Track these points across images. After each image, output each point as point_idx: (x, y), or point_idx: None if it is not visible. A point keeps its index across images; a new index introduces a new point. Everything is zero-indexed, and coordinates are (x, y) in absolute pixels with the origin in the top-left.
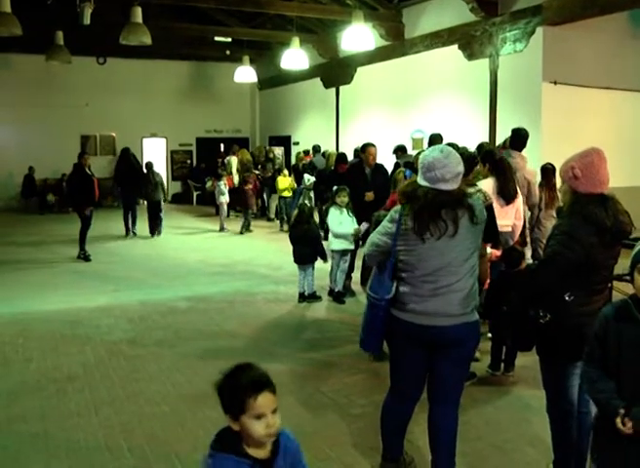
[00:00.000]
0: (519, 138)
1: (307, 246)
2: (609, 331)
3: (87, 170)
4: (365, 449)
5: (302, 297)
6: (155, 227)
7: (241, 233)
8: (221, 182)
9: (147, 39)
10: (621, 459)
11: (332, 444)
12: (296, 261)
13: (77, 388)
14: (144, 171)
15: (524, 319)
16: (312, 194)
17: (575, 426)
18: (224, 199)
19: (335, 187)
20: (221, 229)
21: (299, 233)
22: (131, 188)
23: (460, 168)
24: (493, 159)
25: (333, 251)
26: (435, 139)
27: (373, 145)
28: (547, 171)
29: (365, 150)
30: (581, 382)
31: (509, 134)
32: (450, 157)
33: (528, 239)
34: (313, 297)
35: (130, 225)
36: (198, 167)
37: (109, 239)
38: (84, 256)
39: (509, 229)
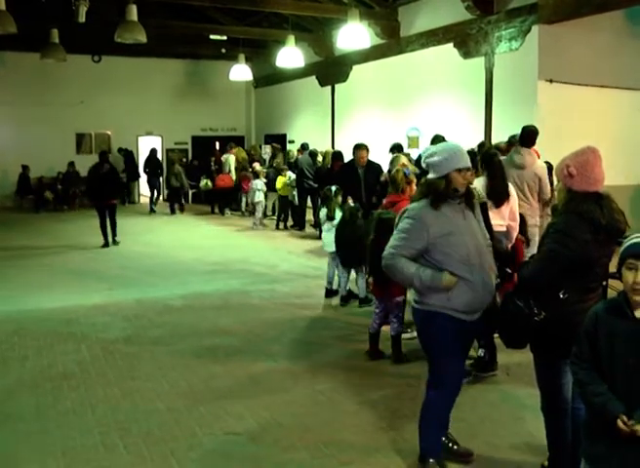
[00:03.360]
0: (526, 135)
1: (355, 247)
2: (600, 327)
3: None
4: (361, 447)
5: (344, 300)
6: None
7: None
8: (259, 181)
9: (142, 37)
10: (617, 463)
11: (327, 441)
12: (345, 265)
13: (73, 386)
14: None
15: (518, 316)
16: (295, 192)
17: (569, 424)
18: (261, 197)
19: (333, 188)
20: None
21: (347, 235)
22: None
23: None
24: (487, 159)
25: (329, 252)
26: (437, 140)
27: (363, 148)
28: None
29: (354, 152)
30: (573, 385)
31: (505, 132)
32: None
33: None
34: (366, 302)
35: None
36: (192, 164)
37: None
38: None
39: (503, 229)
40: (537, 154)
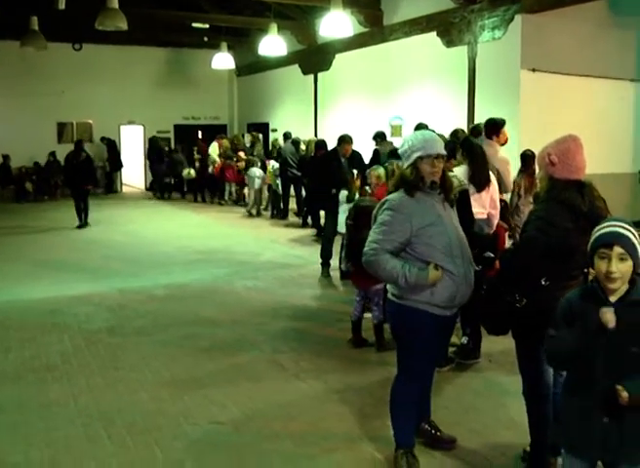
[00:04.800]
0: (488, 127)
1: None
2: (575, 314)
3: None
4: (345, 435)
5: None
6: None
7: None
8: (256, 169)
9: (123, 24)
10: (588, 435)
11: (311, 430)
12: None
13: (56, 377)
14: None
15: (500, 303)
16: (279, 180)
17: (551, 409)
18: (257, 185)
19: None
20: (258, 214)
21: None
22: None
23: None
24: (468, 146)
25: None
26: (420, 129)
27: (349, 141)
28: (527, 157)
29: (341, 144)
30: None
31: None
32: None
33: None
34: None
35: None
36: (169, 154)
37: (88, 227)
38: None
39: (484, 216)
40: (499, 145)
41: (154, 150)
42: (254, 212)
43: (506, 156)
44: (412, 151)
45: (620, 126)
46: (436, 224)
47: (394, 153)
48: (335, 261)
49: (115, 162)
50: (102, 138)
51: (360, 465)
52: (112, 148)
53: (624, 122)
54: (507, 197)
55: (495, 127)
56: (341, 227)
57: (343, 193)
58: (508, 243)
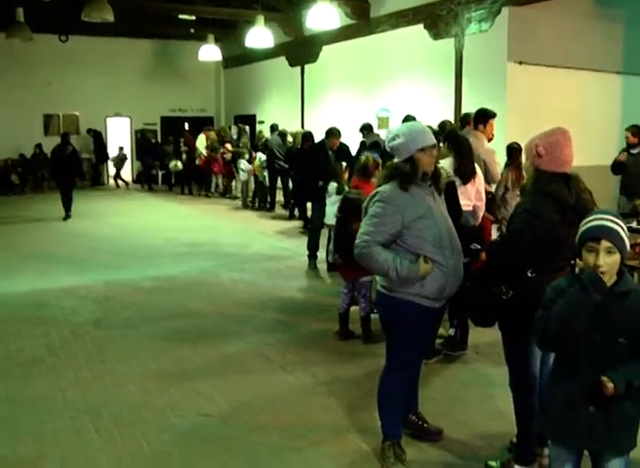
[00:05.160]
0: (475, 117)
1: None
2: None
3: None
4: (332, 427)
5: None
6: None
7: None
8: (243, 161)
9: (110, 16)
10: (574, 425)
11: (298, 422)
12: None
13: (42, 371)
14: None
15: (486, 295)
16: (266, 172)
17: (537, 400)
18: (245, 177)
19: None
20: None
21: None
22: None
23: None
24: (454, 138)
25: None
26: (408, 121)
27: (337, 135)
28: (513, 150)
29: (329, 137)
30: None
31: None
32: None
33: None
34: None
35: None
36: (160, 146)
37: (75, 219)
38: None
39: (470, 209)
40: (487, 135)
41: (144, 142)
42: (249, 203)
43: (491, 146)
44: (410, 143)
45: (607, 118)
46: (427, 216)
47: (375, 145)
48: (322, 254)
49: (101, 154)
50: (89, 130)
51: (347, 457)
52: (98, 140)
53: (611, 114)
54: (494, 187)
55: (483, 117)
56: (330, 219)
57: (333, 185)
58: (495, 235)
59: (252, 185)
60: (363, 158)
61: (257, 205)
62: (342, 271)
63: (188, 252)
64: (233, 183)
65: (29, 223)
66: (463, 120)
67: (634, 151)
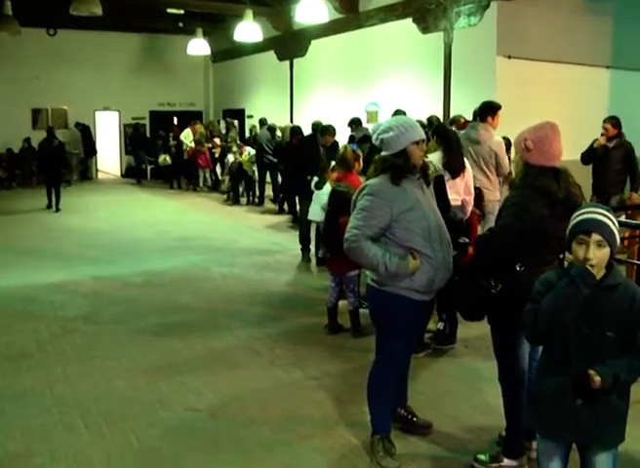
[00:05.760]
0: (482, 110)
1: None
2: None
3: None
4: (322, 421)
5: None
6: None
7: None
8: (230, 155)
9: (98, 10)
10: (562, 418)
11: (288, 416)
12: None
13: (31, 366)
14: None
15: (475, 289)
16: (255, 167)
17: (525, 393)
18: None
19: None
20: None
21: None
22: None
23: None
24: (442, 133)
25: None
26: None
27: (332, 133)
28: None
29: (324, 135)
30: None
31: (464, 107)
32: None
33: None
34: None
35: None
36: (152, 140)
37: (64, 214)
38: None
39: (459, 203)
40: (494, 127)
41: (137, 136)
42: (230, 199)
43: (500, 139)
44: (404, 136)
45: (595, 113)
46: (415, 209)
47: (365, 139)
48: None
49: (89, 148)
50: (77, 124)
51: (337, 451)
52: (87, 134)
53: (599, 109)
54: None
55: (490, 109)
56: (312, 215)
57: (315, 179)
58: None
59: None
60: (342, 150)
61: (231, 199)
62: (330, 265)
63: (178, 246)
64: (221, 177)
65: (17, 218)
66: (452, 123)
67: (611, 144)
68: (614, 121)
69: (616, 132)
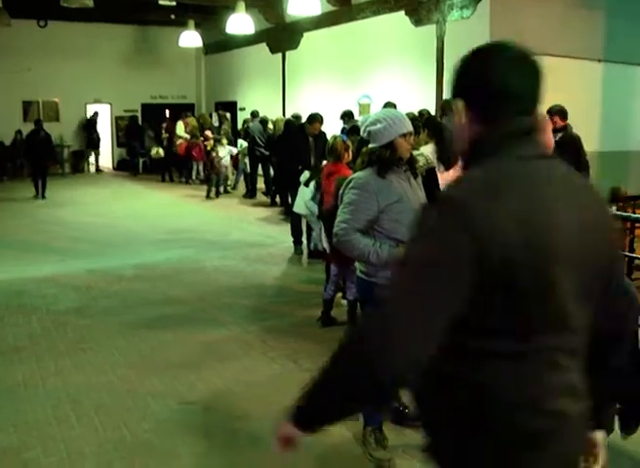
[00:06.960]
0: None
1: None
2: None
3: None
4: None
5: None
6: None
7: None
8: (221, 148)
9: (89, 1)
10: None
11: (280, 409)
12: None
13: (23, 359)
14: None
15: None
16: (247, 159)
17: None
18: (225, 163)
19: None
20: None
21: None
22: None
23: None
24: (433, 125)
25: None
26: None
27: (320, 120)
28: None
29: (312, 122)
30: None
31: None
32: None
33: None
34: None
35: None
36: (144, 132)
37: (55, 207)
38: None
39: None
40: None
41: (134, 127)
42: (229, 189)
43: None
44: (391, 129)
45: (588, 106)
46: (402, 200)
47: (354, 129)
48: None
49: (92, 141)
50: (95, 114)
51: (328, 443)
52: (91, 127)
53: (592, 102)
54: None
55: None
56: (296, 207)
57: (305, 175)
58: None
59: (229, 174)
60: (331, 140)
61: (213, 194)
62: (334, 258)
63: (170, 239)
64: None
65: (8, 211)
66: (444, 107)
67: (556, 138)
68: (562, 114)
69: (564, 124)
